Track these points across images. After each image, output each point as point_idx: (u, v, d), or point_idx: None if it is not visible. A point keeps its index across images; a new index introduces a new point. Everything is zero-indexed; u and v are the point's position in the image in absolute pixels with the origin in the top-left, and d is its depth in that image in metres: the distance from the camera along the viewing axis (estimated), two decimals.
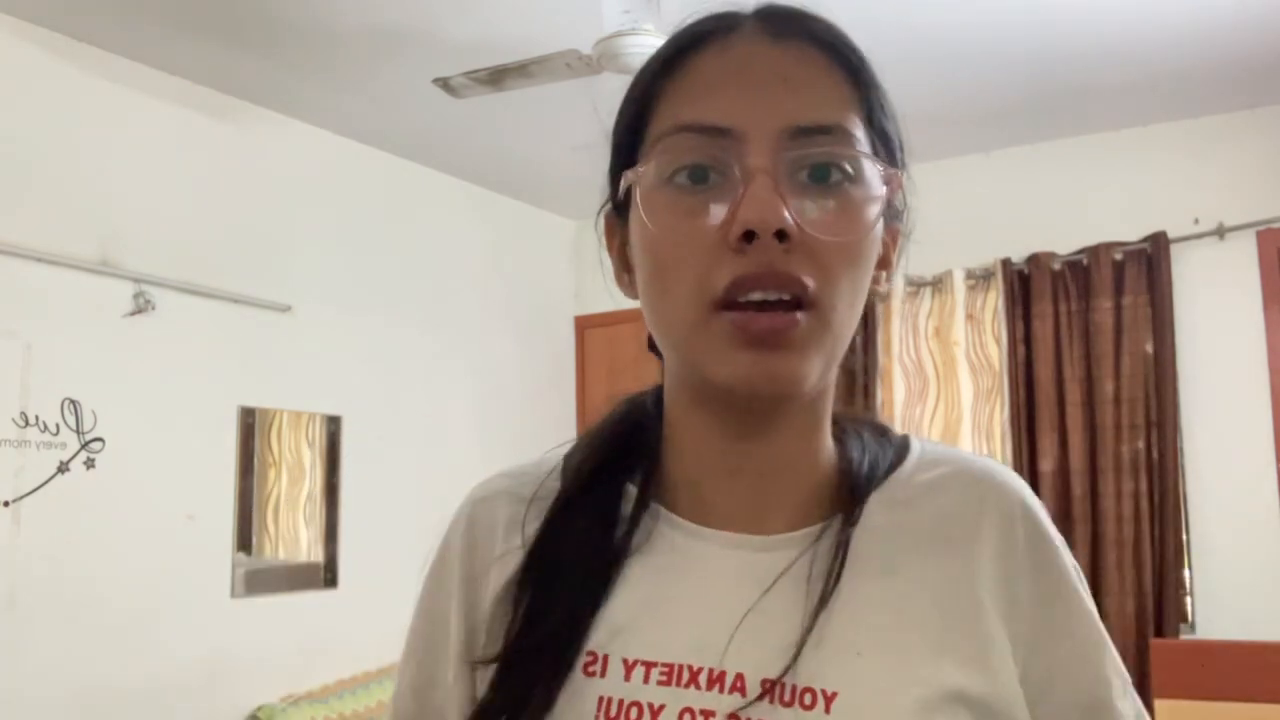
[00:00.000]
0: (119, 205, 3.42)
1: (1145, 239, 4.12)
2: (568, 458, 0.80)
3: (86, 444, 3.24)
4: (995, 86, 3.82)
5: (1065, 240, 4.26)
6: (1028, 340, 4.29)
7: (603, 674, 0.67)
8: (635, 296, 0.74)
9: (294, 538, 3.96)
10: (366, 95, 3.85)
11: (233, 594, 3.67)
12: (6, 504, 3.05)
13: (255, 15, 3.21)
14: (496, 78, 3.04)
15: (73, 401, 3.22)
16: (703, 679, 0.65)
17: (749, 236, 0.62)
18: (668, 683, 0.65)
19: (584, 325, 5.41)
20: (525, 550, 0.74)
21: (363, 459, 4.17)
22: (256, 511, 3.80)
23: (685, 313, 0.66)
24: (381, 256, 4.37)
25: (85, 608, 3.22)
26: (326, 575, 4.03)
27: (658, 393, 0.78)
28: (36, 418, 3.13)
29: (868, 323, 4.59)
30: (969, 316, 4.44)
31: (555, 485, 0.77)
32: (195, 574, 3.55)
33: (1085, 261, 4.21)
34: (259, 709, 3.65)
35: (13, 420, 3.08)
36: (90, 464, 3.25)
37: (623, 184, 0.71)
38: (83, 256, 3.29)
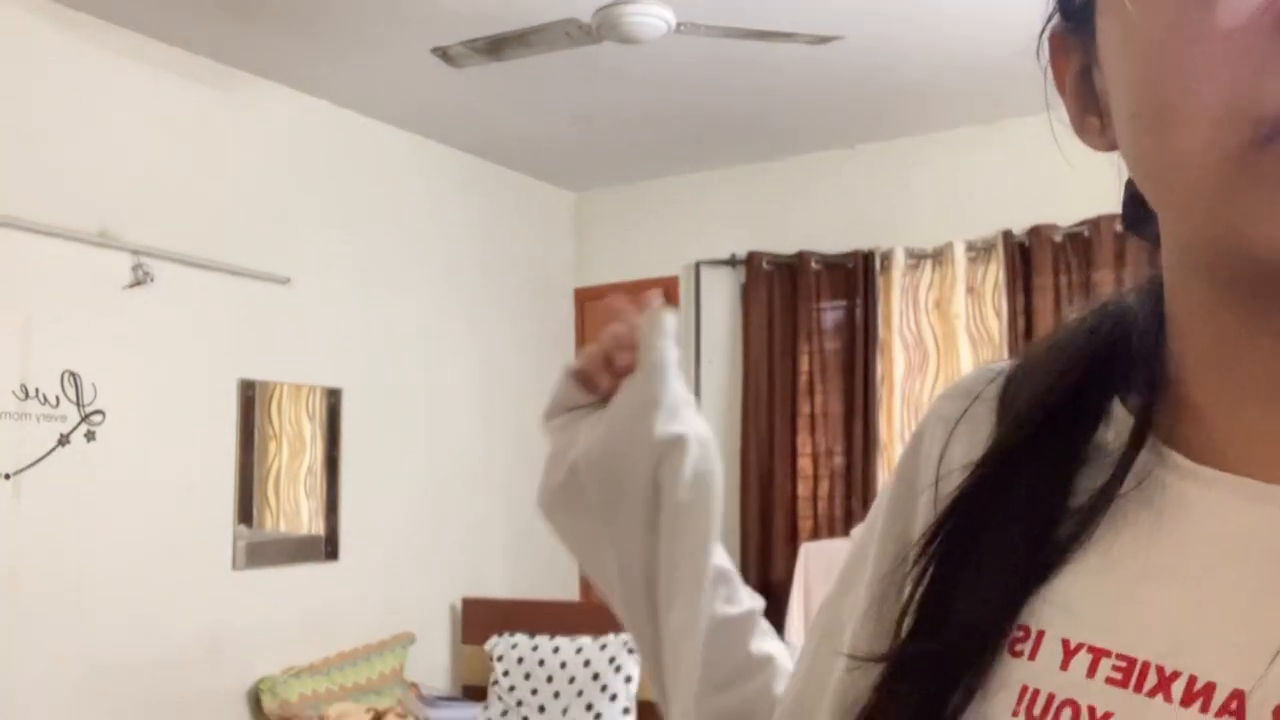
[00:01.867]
0: (117, 177, 3.40)
1: None
2: (1013, 373, 0.58)
3: (87, 416, 3.24)
4: (995, 57, 3.79)
5: (1066, 212, 4.24)
6: (1028, 313, 4.28)
7: (1031, 655, 0.50)
8: (1108, 147, 0.53)
9: (295, 510, 3.97)
10: (365, 66, 3.83)
11: (234, 566, 3.68)
12: (7, 476, 3.05)
13: None
14: (495, 47, 3.02)
15: (73, 374, 3.21)
16: (1177, 689, 0.46)
17: None
18: (1121, 683, 0.47)
19: (584, 297, 5.40)
20: (942, 501, 0.55)
21: (363, 432, 4.17)
22: (257, 484, 3.81)
23: (1209, 148, 0.43)
24: (380, 229, 4.36)
25: (87, 580, 3.23)
26: (327, 548, 4.04)
27: (1148, 292, 0.58)
28: (37, 390, 3.13)
29: (867, 295, 4.58)
30: (969, 289, 4.43)
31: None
32: (196, 546, 3.56)
33: (1086, 233, 4.20)
34: (261, 681, 3.67)
35: (13, 393, 3.08)
36: (91, 436, 3.25)
37: None
38: (81, 229, 3.28)
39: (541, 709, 4.09)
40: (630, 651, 4.08)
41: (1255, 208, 0.41)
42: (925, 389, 4.49)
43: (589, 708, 4.01)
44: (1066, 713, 0.47)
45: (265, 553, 3.82)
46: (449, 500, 4.56)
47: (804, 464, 4.67)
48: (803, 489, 4.66)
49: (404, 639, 4.20)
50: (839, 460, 4.66)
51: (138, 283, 3.40)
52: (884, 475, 4.51)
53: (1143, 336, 0.55)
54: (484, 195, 4.91)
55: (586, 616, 4.41)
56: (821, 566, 4.11)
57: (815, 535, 4.57)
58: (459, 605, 4.57)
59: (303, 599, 3.91)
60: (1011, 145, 4.41)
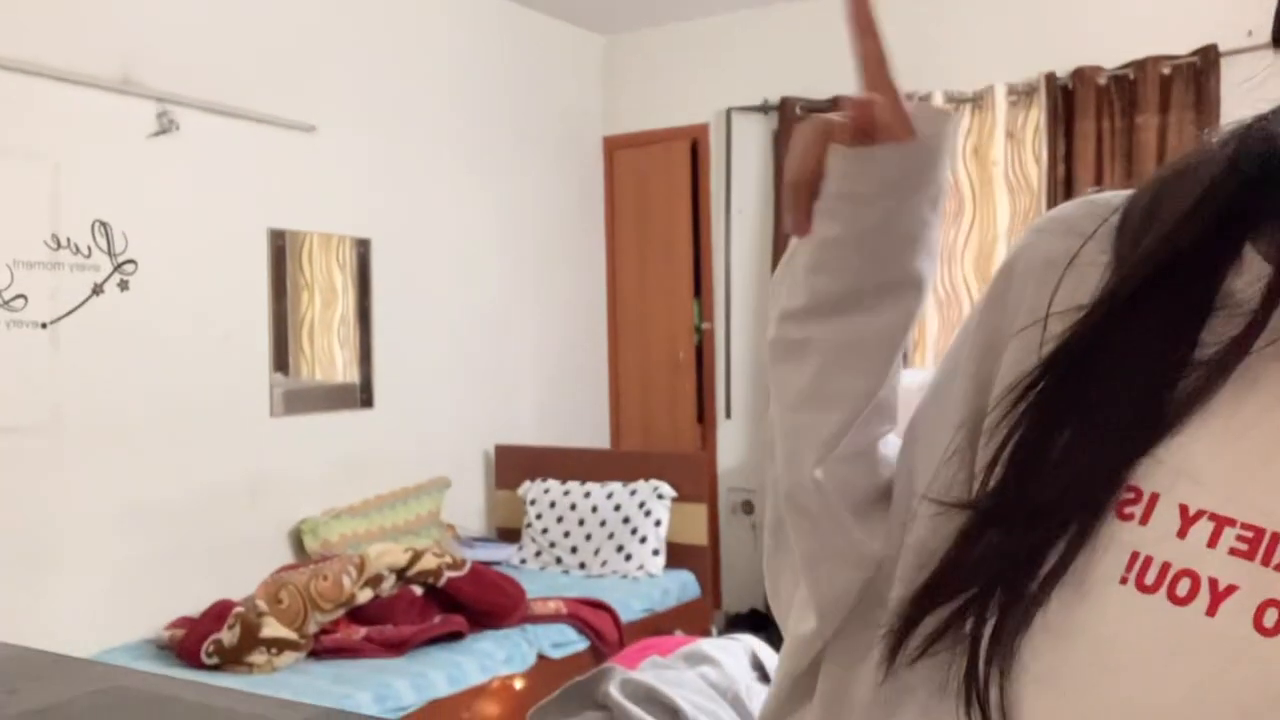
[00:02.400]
0: (140, 22, 3.34)
1: (1195, 52, 3.95)
2: (1131, 205, 0.52)
3: (119, 266, 3.27)
4: None
5: (1112, 53, 4.09)
6: (1069, 159, 4.18)
7: (1143, 520, 0.45)
8: None
9: (329, 359, 4.03)
10: None
11: (272, 413, 3.75)
12: (44, 326, 3.10)
13: None
14: None
15: (103, 223, 3.22)
16: None
17: None
18: (1247, 555, 0.43)
19: (613, 146, 5.32)
20: (1049, 344, 0.50)
21: (393, 282, 4.19)
22: (292, 333, 3.85)
23: None
24: (406, 76, 4.27)
25: (127, 426, 3.31)
26: (363, 395, 4.10)
27: None
28: (69, 240, 3.15)
29: None
30: (1009, 134, 4.32)
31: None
32: (234, 394, 3.63)
33: (1131, 76, 4.06)
34: (302, 522, 3.79)
35: (44, 242, 3.10)
36: (124, 286, 3.27)
37: None
38: (105, 75, 3.24)
39: (574, 549, 4.22)
40: (660, 497, 4.17)
41: None
42: (959, 238, 4.43)
43: (620, 549, 4.13)
44: (1184, 583, 0.43)
45: (302, 400, 3.89)
46: (480, 349, 4.60)
47: None
48: None
49: (439, 483, 4.30)
50: None
51: (163, 131, 3.37)
52: (914, 326, 4.48)
53: None
54: (512, 39, 4.78)
55: (617, 463, 4.49)
56: None
57: None
58: (492, 452, 4.66)
59: (340, 445, 4.00)
60: None
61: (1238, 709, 0.41)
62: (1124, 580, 0.45)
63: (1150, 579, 0.44)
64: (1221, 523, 0.44)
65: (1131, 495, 0.46)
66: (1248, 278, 0.47)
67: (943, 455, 0.55)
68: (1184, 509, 0.45)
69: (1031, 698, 0.45)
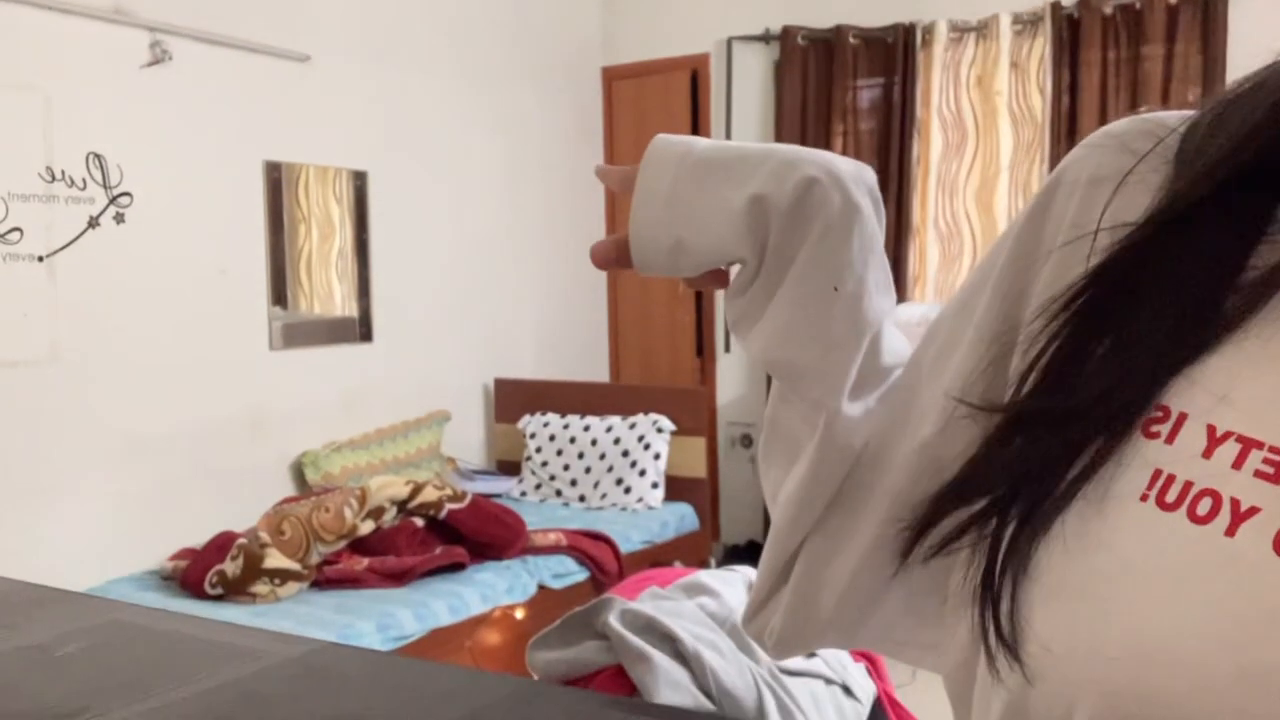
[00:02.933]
0: None
1: None
2: (1193, 127, 0.51)
3: (115, 199, 3.24)
4: None
5: None
6: (1073, 90, 4.13)
7: (1170, 438, 0.45)
8: None
9: (328, 293, 4.01)
10: None
11: (271, 347, 3.75)
12: (40, 259, 3.09)
13: None
14: None
15: (97, 155, 3.19)
16: None
17: None
18: (1273, 478, 0.42)
19: (611, 76, 5.25)
20: (1097, 255, 0.50)
21: (391, 215, 4.16)
22: (289, 266, 3.83)
23: None
24: (402, 3, 4.20)
25: (127, 358, 3.31)
26: (361, 329, 4.10)
27: None
28: (63, 172, 3.12)
29: (906, 72, 4.42)
30: (1013, 64, 4.26)
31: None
32: (233, 327, 3.63)
33: (1138, 5, 3.99)
34: (304, 454, 3.81)
35: (39, 175, 3.07)
36: (120, 219, 3.25)
37: None
38: (95, 5, 3.18)
39: (573, 482, 4.24)
40: (659, 431, 4.19)
41: None
42: (962, 170, 4.40)
43: (619, 482, 4.15)
44: (1205, 502, 0.43)
45: (301, 334, 3.89)
46: (478, 282, 4.59)
47: None
48: None
49: (439, 416, 4.32)
50: None
51: (155, 61, 3.32)
52: (915, 259, 4.47)
53: None
54: None
55: (616, 397, 4.50)
56: None
57: None
58: (491, 385, 4.67)
59: (340, 379, 4.00)
60: None
61: (1249, 629, 0.41)
62: (1144, 497, 0.45)
63: (1171, 497, 0.44)
64: (1249, 445, 0.43)
65: (1159, 414, 0.46)
66: None
67: (969, 363, 0.55)
68: (1211, 430, 0.44)
69: (1042, 606, 0.46)
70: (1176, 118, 0.53)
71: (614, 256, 0.67)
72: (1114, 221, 0.50)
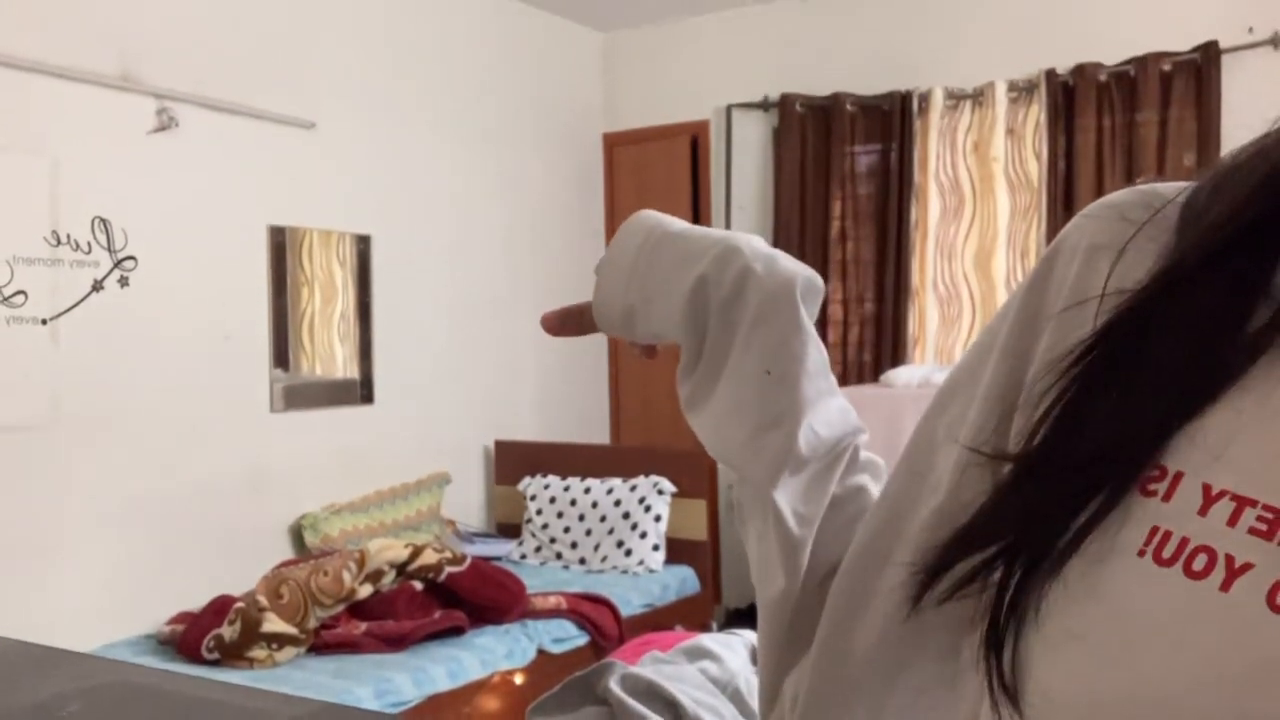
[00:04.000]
0: (138, 18, 3.34)
1: (1195, 49, 3.95)
2: (1195, 193, 0.53)
3: (119, 262, 3.27)
4: None
5: (1112, 50, 4.09)
6: (1069, 155, 4.18)
7: (1166, 496, 0.47)
8: None
9: (330, 355, 4.03)
10: None
11: (272, 409, 3.76)
12: (44, 322, 3.10)
13: None
14: None
15: (103, 220, 3.22)
16: None
17: None
18: (1266, 535, 0.44)
19: (613, 142, 5.32)
20: (1100, 314, 0.51)
21: (393, 278, 4.19)
22: (292, 329, 3.85)
23: None
24: (407, 72, 4.27)
25: (127, 422, 3.31)
26: (363, 391, 4.11)
27: None
28: (69, 236, 3.15)
29: (903, 138, 4.48)
30: (1009, 131, 4.32)
31: (1175, 218, 0.53)
32: (234, 389, 3.63)
33: (1132, 72, 4.06)
34: (303, 517, 3.80)
35: (44, 239, 3.10)
36: (124, 282, 3.28)
37: None
38: (104, 72, 3.24)
39: (574, 545, 4.22)
40: (660, 493, 4.17)
41: None
42: (960, 234, 4.43)
43: (619, 544, 4.13)
44: (1201, 558, 0.44)
45: (302, 396, 3.89)
46: (480, 344, 4.60)
47: (834, 310, 4.66)
48: (833, 335, 4.67)
49: (439, 478, 4.31)
50: (870, 307, 4.64)
51: (162, 127, 3.37)
52: (914, 322, 4.49)
53: None
54: (511, 35, 4.78)
55: (617, 459, 4.49)
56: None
57: (844, 382, 4.59)
58: (491, 447, 4.67)
59: (340, 440, 4.00)
60: None
61: (1246, 680, 0.42)
62: (1142, 553, 0.46)
63: (1168, 553, 0.45)
64: (1243, 503, 0.45)
65: (1157, 473, 0.47)
66: None
67: (978, 420, 0.57)
68: (1207, 488, 0.46)
69: (1043, 655, 0.47)
70: (1173, 189, 0.54)
71: (558, 326, 0.74)
72: (1114, 288, 0.52)
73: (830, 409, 0.68)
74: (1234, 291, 0.48)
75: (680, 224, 0.70)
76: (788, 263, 0.67)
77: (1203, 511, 0.45)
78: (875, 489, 0.69)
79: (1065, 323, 0.54)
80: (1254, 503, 0.44)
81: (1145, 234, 0.53)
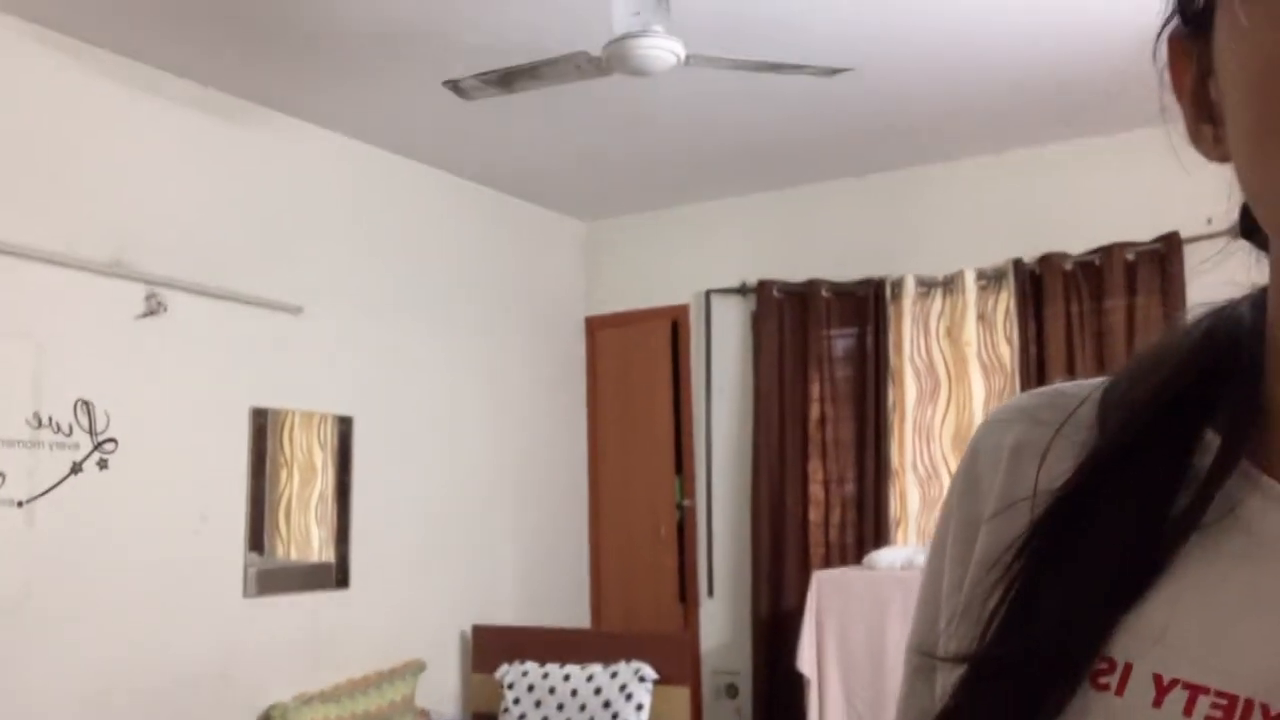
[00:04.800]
0: (131, 207, 3.43)
1: (1158, 239, 4.10)
2: (1110, 389, 0.55)
3: (99, 445, 3.26)
4: (1005, 87, 3.81)
5: (1077, 240, 4.25)
6: (1040, 341, 4.28)
7: (1119, 690, 0.47)
8: (1221, 158, 0.50)
9: (305, 538, 3.98)
10: (377, 98, 3.86)
11: (245, 594, 3.68)
12: (20, 504, 3.07)
13: (267, 18, 3.22)
14: (507, 80, 3.04)
15: (85, 403, 3.23)
16: None
17: None
18: None
19: (595, 326, 5.41)
20: (1034, 512, 0.52)
21: (374, 459, 4.18)
22: (268, 511, 3.81)
23: None
24: (392, 258, 4.38)
25: (99, 606, 3.23)
26: (338, 575, 4.04)
27: (1257, 300, 0.53)
28: (50, 418, 3.15)
29: (878, 323, 4.58)
30: (980, 317, 4.43)
31: (1091, 416, 0.55)
32: (208, 574, 3.57)
33: (1097, 262, 4.20)
34: (272, 707, 3.67)
35: (25, 421, 3.10)
36: (103, 465, 3.26)
37: None
38: (95, 259, 3.31)
39: None
40: (641, 680, 4.06)
41: None
42: (937, 416, 4.48)
43: None
44: None
45: (276, 580, 3.82)
46: (459, 528, 4.56)
47: (815, 491, 4.66)
48: (814, 516, 4.65)
49: (414, 666, 4.19)
50: (851, 488, 4.64)
51: (151, 312, 3.42)
52: (895, 503, 4.49)
53: (1244, 352, 0.51)
54: (495, 225, 4.93)
55: (597, 644, 4.39)
56: (834, 594, 4.09)
57: (827, 563, 4.55)
58: (469, 632, 4.56)
59: (313, 626, 3.91)
60: (1022, 174, 4.43)
61: None
62: None
63: None
64: (1195, 691, 0.45)
65: (1105, 665, 0.47)
66: (1206, 457, 0.49)
67: (945, 624, 0.58)
68: (1158, 678, 0.46)
69: None
70: (1079, 387, 0.57)
71: None
72: (1043, 488, 0.53)
73: None
74: (1156, 478, 0.49)
75: None
76: None
77: (1157, 703, 0.45)
78: None
79: (997, 528, 0.55)
80: (1206, 690, 0.44)
81: (1063, 434, 0.54)
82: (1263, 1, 0.40)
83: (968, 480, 0.58)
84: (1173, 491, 0.49)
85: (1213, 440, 0.49)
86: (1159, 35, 0.51)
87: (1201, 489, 0.48)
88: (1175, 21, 0.50)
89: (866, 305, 4.64)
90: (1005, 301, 4.36)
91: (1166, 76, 0.52)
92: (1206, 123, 0.49)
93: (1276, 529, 0.46)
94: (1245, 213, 0.51)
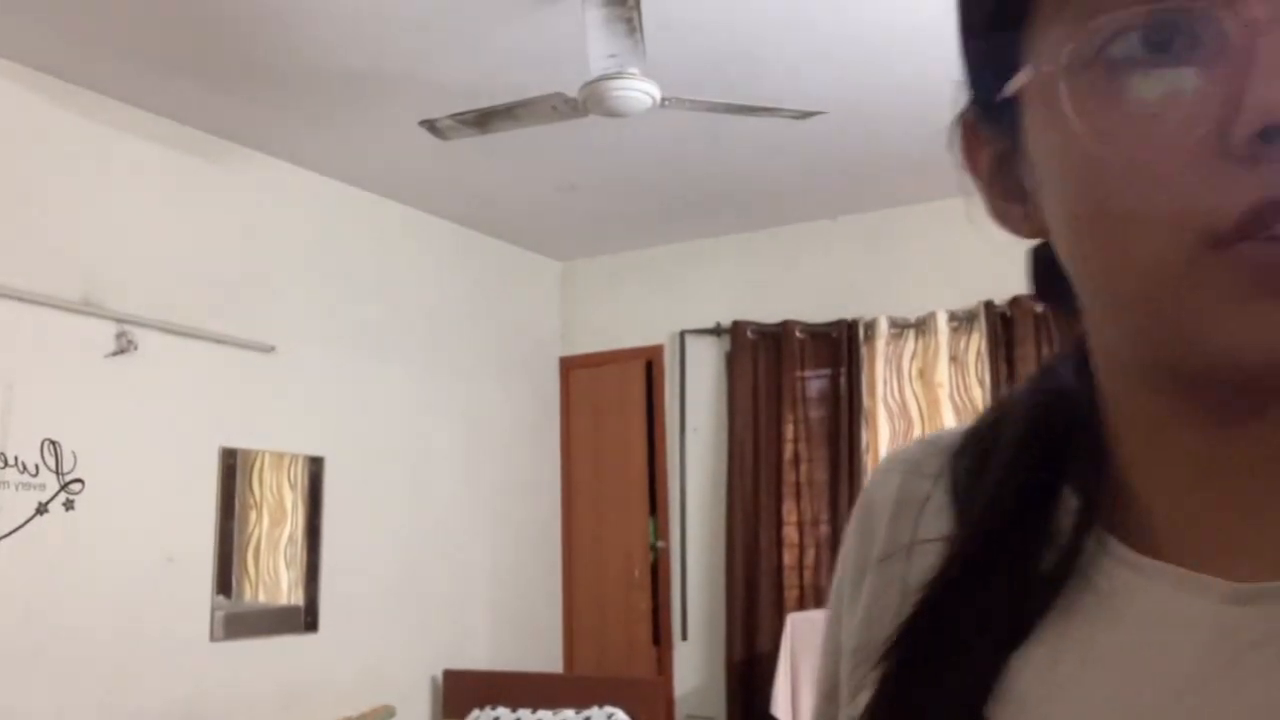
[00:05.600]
0: (102, 245, 3.41)
1: None
2: (955, 458, 0.57)
3: (66, 485, 3.21)
4: None
5: None
6: (1011, 382, 4.30)
7: None
8: (1033, 234, 0.51)
9: (274, 580, 3.92)
10: (353, 137, 3.87)
11: (212, 637, 3.62)
12: None
13: (241, 57, 3.23)
14: (483, 120, 3.06)
15: (53, 442, 3.19)
16: None
17: (1272, 134, 0.38)
18: None
19: (569, 366, 5.41)
20: (913, 572, 0.54)
21: (345, 500, 4.14)
22: (237, 553, 3.76)
23: (1160, 254, 0.42)
24: (366, 297, 4.37)
25: (62, 650, 3.17)
26: (307, 618, 3.98)
27: (1076, 365, 0.54)
28: (16, 458, 3.10)
29: (851, 364, 4.60)
30: (952, 358, 4.46)
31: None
32: (174, 617, 3.51)
33: None
34: None
35: None
36: (69, 505, 3.21)
37: (1020, 75, 0.46)
38: (65, 297, 3.28)
39: None
40: None
41: (1207, 310, 0.41)
42: None
43: None
44: None
45: (244, 623, 3.76)
46: (431, 570, 4.51)
47: (789, 532, 4.65)
48: (788, 558, 4.63)
49: (385, 712, 4.12)
50: (825, 529, 4.64)
51: (121, 351, 3.39)
52: None
53: (1083, 420, 0.52)
54: (470, 264, 4.93)
55: (571, 689, 4.34)
56: (808, 636, 4.07)
57: (801, 605, 4.53)
58: (440, 677, 4.50)
59: (281, 671, 3.84)
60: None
61: None
62: None
63: None
64: None
65: None
66: (1065, 516, 0.51)
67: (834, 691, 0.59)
68: None
69: None
70: (950, 436, 0.58)
71: None
72: (925, 537, 0.55)
73: None
74: (1022, 550, 0.50)
75: None
76: None
77: None
78: None
79: (882, 574, 0.56)
80: None
81: (941, 486, 0.56)
82: (1074, 104, 0.41)
83: (863, 529, 0.60)
84: (1037, 557, 0.50)
85: (1069, 498, 0.51)
86: (956, 120, 0.52)
87: (1062, 554, 0.49)
88: (966, 107, 0.51)
89: (840, 346, 4.66)
90: (977, 343, 4.40)
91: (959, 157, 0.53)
92: (1015, 202, 0.51)
93: (1114, 586, 0.48)
94: (1040, 276, 0.53)
